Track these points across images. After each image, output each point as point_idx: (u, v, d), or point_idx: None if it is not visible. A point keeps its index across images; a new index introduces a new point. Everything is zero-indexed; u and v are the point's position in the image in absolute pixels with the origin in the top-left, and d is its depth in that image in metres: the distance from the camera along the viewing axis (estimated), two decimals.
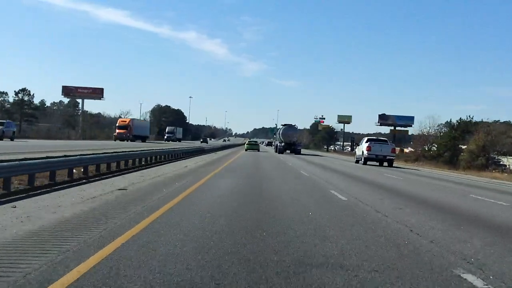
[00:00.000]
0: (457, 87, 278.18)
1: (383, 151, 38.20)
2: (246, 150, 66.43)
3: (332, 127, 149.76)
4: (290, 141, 64.96)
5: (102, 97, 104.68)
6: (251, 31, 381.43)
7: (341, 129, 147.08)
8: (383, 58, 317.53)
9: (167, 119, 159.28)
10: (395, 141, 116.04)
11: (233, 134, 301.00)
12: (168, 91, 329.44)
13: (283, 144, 64.91)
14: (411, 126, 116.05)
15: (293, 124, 68.66)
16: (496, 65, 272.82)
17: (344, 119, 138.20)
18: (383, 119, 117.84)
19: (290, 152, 63.59)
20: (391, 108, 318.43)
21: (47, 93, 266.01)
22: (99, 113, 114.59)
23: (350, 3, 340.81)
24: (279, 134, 68.86)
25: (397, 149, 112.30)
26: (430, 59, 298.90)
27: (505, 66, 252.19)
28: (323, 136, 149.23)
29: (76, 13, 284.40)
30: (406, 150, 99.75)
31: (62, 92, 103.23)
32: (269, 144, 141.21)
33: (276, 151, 66.95)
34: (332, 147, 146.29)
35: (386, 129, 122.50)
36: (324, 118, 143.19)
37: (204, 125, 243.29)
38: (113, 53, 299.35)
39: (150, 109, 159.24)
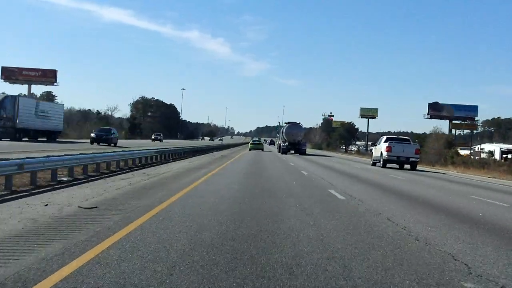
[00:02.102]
0: (457, 86, 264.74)
1: (405, 152, 33.33)
2: (250, 149, 65.44)
3: (352, 123, 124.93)
4: (295, 140, 58.94)
5: (55, 81, 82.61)
6: (253, 31, 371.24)
7: (357, 128, 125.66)
8: (384, 57, 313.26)
9: (153, 114, 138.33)
10: (456, 139, 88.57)
11: (236, 132, 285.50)
12: (169, 90, 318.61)
13: (286, 143, 58.94)
14: (474, 119, 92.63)
15: (298, 122, 62.90)
16: (496, 64, 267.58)
17: (368, 113, 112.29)
18: (436, 109, 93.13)
19: (294, 152, 58.54)
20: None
21: None
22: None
23: (350, 3, 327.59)
24: (282, 133, 63.05)
25: (483, 153, 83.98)
26: (430, 58, 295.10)
27: (506, 65, 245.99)
28: (341, 135, 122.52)
29: (79, 13, 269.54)
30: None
31: (2, 75, 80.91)
32: (272, 143, 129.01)
33: (279, 151, 60.79)
34: (353, 148, 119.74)
35: (442, 124, 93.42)
36: (333, 115, 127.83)
37: (202, 123, 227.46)
38: (114, 52, 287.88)
39: (132, 102, 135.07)
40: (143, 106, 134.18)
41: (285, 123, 66.92)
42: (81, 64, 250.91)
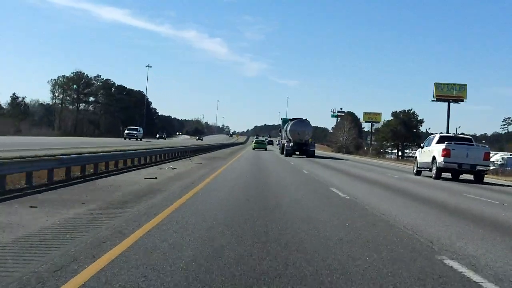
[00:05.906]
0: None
1: (470, 157, 24.27)
2: (253, 149, 66.41)
3: (413, 113, 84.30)
4: (301, 140, 51.09)
5: None
6: (252, 31, 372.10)
7: (421, 120, 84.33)
8: (384, 56, 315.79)
9: (97, 103, 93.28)
10: None
11: (232, 131, 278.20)
12: (168, 89, 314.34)
13: (291, 144, 50.85)
14: None
15: (304, 118, 54.45)
16: (498, 64, 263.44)
17: (449, 93, 74.02)
18: None
19: (300, 154, 51.02)
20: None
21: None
22: None
23: (350, 2, 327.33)
24: (286, 131, 54.22)
25: None
26: (430, 59, 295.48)
27: (508, 66, 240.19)
28: (395, 132, 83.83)
29: (76, 12, 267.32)
30: None
31: None
32: (270, 143, 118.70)
33: (282, 153, 54.52)
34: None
35: None
36: (343, 112, 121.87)
37: (191, 120, 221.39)
38: (112, 52, 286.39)
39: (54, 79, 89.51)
40: (77, 85, 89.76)
41: (289, 119, 57.87)
42: (79, 63, 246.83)
